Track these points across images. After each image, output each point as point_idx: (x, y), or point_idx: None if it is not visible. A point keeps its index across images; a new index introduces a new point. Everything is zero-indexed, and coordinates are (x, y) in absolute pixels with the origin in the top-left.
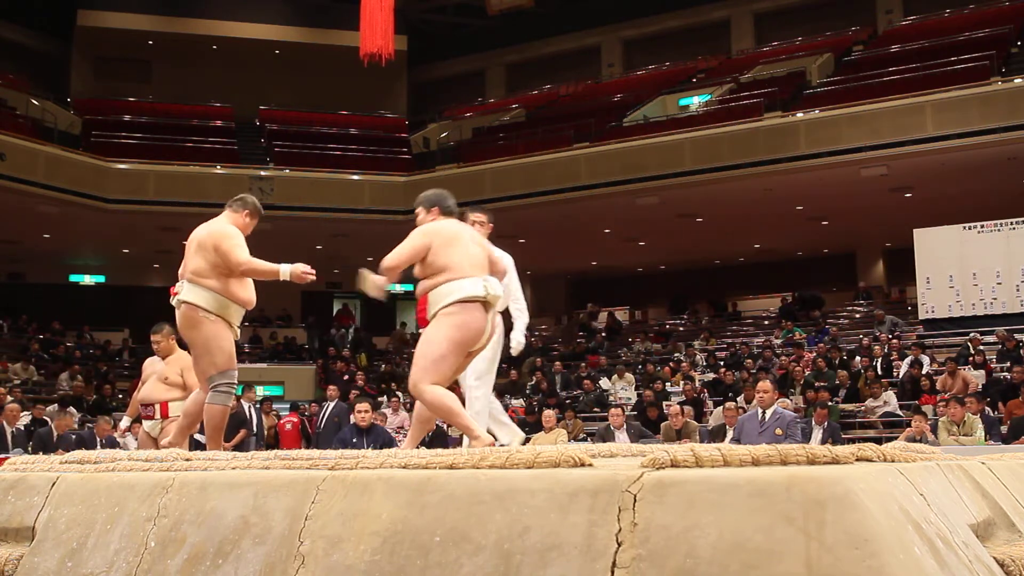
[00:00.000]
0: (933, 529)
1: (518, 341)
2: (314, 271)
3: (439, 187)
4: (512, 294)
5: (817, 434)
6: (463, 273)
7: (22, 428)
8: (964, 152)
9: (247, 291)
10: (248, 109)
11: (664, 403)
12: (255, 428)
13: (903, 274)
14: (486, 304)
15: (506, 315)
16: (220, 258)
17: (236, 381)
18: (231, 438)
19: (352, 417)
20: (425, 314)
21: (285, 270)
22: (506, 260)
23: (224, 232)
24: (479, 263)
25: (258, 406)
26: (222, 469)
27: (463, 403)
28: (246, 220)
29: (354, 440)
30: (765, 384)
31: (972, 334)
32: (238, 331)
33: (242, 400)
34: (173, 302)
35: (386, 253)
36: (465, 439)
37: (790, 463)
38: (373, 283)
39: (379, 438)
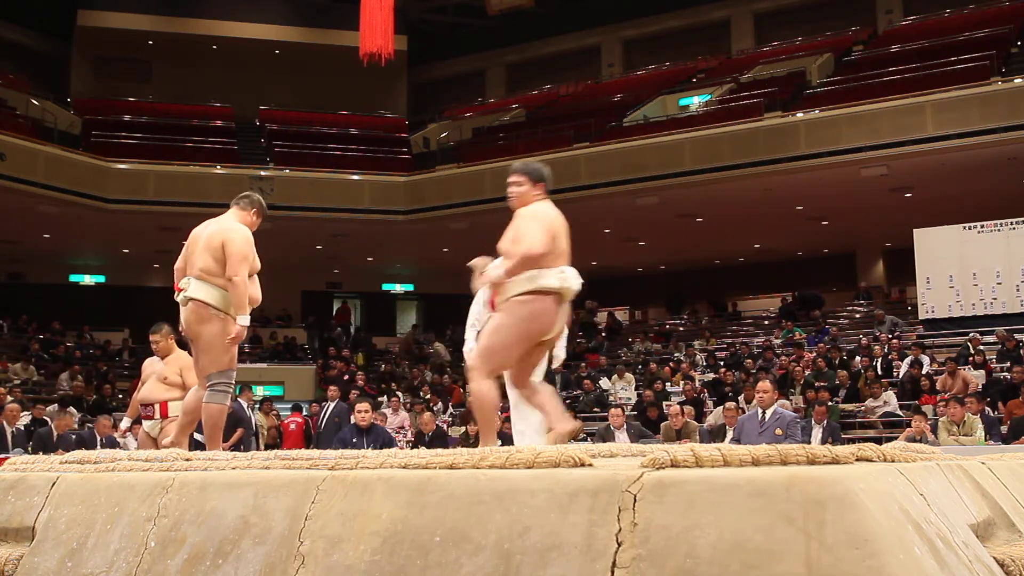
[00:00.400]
0: (933, 529)
1: (558, 357)
2: (239, 340)
3: (439, 187)
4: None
5: (817, 433)
6: (546, 262)
7: (22, 428)
8: (964, 152)
9: (255, 289)
10: (248, 109)
11: (664, 403)
12: (253, 428)
13: (903, 274)
14: (560, 296)
15: None
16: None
17: (233, 382)
18: (228, 437)
19: (352, 417)
20: (496, 297)
21: (245, 322)
22: None
23: (234, 235)
24: (564, 252)
25: (258, 406)
26: (222, 469)
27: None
28: (253, 219)
29: (354, 440)
30: (765, 384)
31: (972, 334)
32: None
33: (240, 399)
34: (179, 298)
35: (386, 253)
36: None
37: (790, 463)
38: (495, 274)
39: (379, 438)
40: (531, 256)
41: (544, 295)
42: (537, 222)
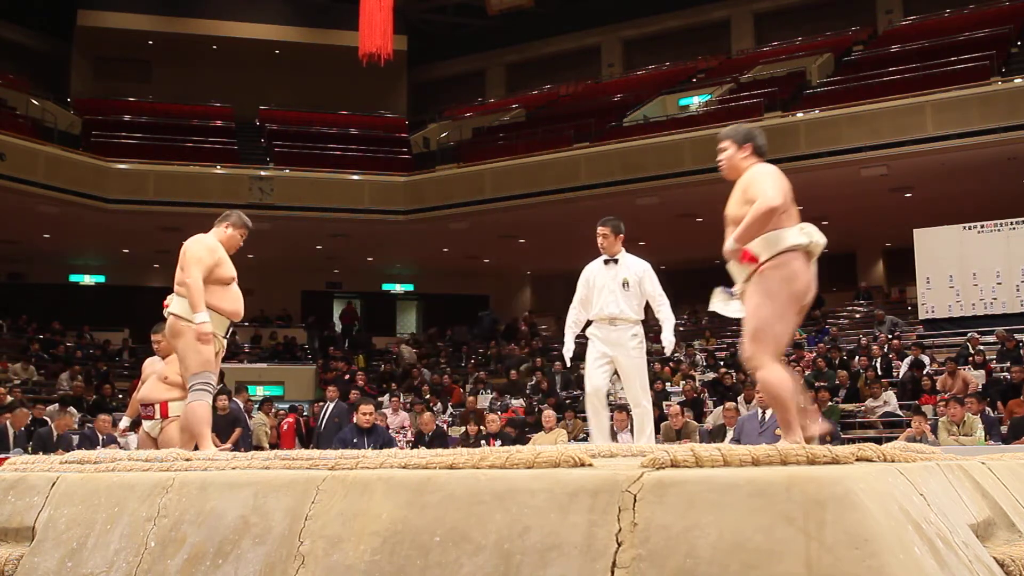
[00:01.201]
0: (933, 529)
1: (669, 341)
2: (208, 341)
3: (439, 187)
4: (656, 299)
5: None
6: (783, 221)
7: (22, 428)
8: (964, 152)
9: (230, 302)
10: (248, 109)
11: (664, 403)
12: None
13: (903, 274)
14: (808, 253)
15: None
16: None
17: (213, 382)
18: (226, 438)
19: (354, 417)
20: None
21: (200, 319)
22: (646, 267)
23: (192, 244)
24: (796, 213)
25: (257, 407)
26: (222, 469)
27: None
28: (227, 232)
29: (355, 440)
30: None
31: (971, 334)
32: (223, 341)
33: (236, 399)
34: (165, 314)
35: (386, 253)
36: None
37: (790, 463)
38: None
39: (380, 438)
40: (769, 209)
41: (793, 254)
42: (766, 177)
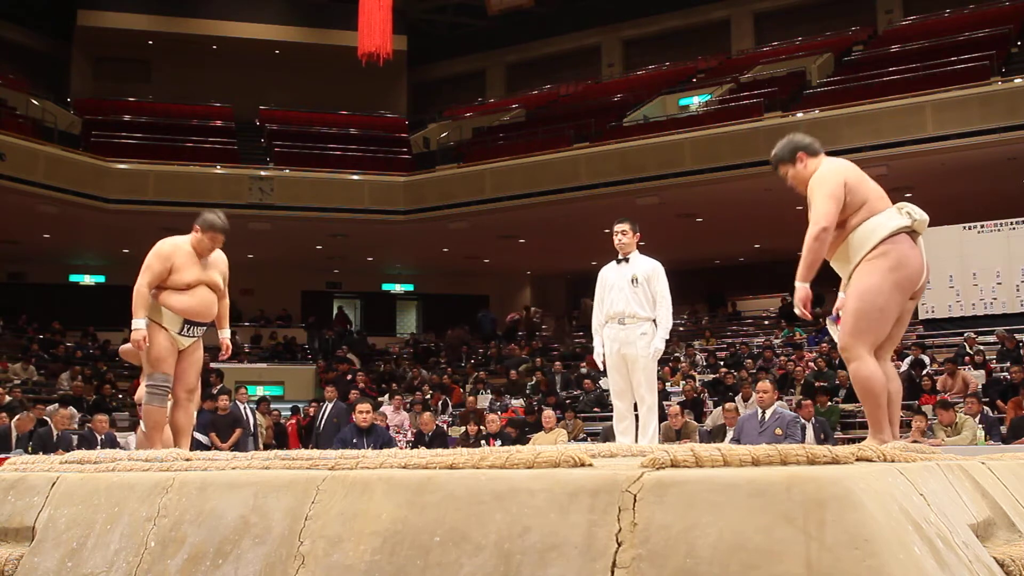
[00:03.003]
0: (933, 529)
1: (657, 348)
2: (139, 347)
3: (439, 187)
4: (659, 299)
5: (807, 431)
6: (878, 206)
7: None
8: (964, 152)
9: (183, 301)
10: (248, 109)
11: (664, 403)
12: (251, 428)
13: None
14: (913, 232)
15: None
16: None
17: (167, 383)
18: (226, 438)
19: (353, 417)
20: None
21: (135, 325)
22: (656, 265)
23: (151, 254)
24: (880, 194)
25: (254, 406)
26: (222, 469)
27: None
28: (198, 235)
29: (354, 440)
30: (764, 384)
31: (967, 333)
32: (181, 340)
33: (237, 400)
34: None
35: (386, 253)
36: None
37: (790, 463)
38: (802, 290)
39: (379, 438)
40: (815, 236)
41: (897, 238)
42: (818, 189)
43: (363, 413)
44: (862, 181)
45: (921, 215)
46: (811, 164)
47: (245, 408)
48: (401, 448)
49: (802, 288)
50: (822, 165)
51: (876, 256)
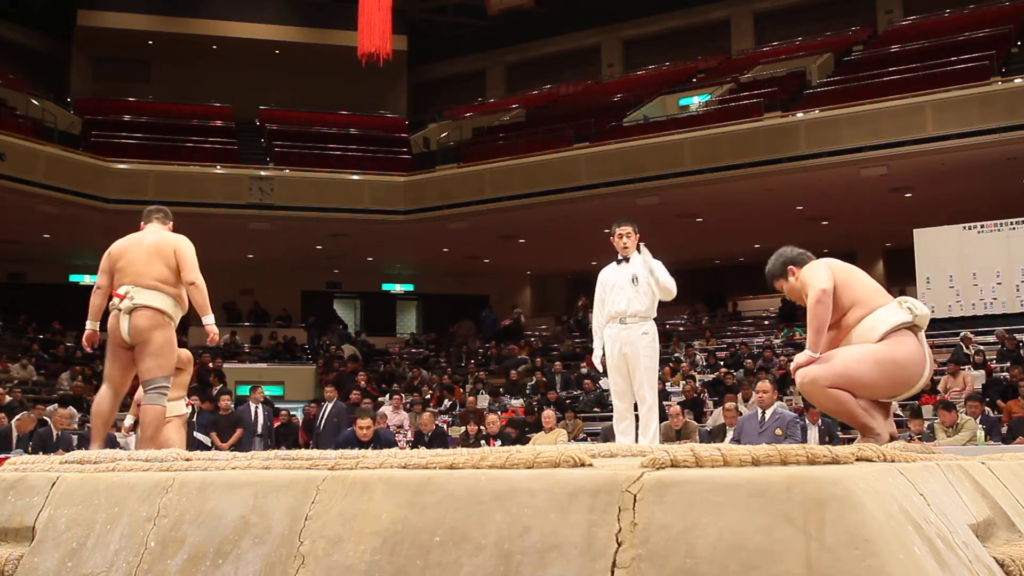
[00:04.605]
0: (933, 529)
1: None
2: (88, 346)
3: (439, 187)
4: (664, 286)
5: (812, 433)
6: (875, 303)
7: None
8: (964, 152)
9: (186, 302)
10: (248, 109)
11: (664, 403)
12: (260, 428)
13: (903, 274)
14: (915, 327)
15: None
16: (177, 266)
17: (169, 384)
18: (228, 438)
19: (354, 423)
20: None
21: (210, 321)
22: (656, 262)
23: (190, 248)
24: (877, 288)
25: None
26: (222, 469)
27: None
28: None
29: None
30: (764, 384)
31: (963, 333)
32: None
33: (249, 401)
34: (123, 305)
35: (386, 253)
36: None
37: (790, 463)
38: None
39: (380, 445)
40: (816, 298)
41: (898, 333)
42: (809, 272)
43: (363, 429)
44: (851, 276)
45: (923, 310)
46: (801, 273)
47: (256, 408)
48: (401, 448)
49: (808, 356)
50: (808, 268)
51: (885, 345)
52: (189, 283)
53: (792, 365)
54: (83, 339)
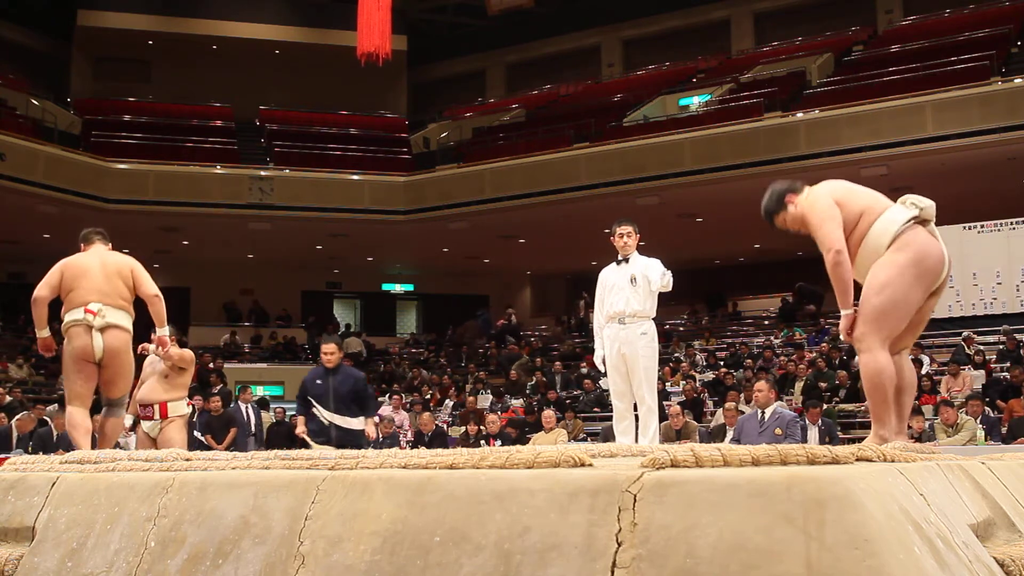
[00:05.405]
0: (933, 529)
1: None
2: (47, 353)
3: (439, 187)
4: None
5: (813, 433)
6: (881, 206)
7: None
8: (964, 152)
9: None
10: (248, 109)
11: (664, 403)
12: (253, 428)
13: None
14: (923, 221)
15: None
16: (134, 286)
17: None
18: (222, 438)
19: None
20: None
21: (167, 332)
22: (654, 260)
23: (136, 262)
24: (875, 197)
25: (255, 407)
26: (222, 469)
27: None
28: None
29: (318, 381)
30: (760, 384)
31: (966, 333)
32: None
33: (239, 401)
34: (96, 322)
35: (386, 253)
36: None
37: (790, 463)
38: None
39: (346, 380)
40: (835, 254)
41: (911, 231)
42: (813, 217)
43: (328, 355)
44: (851, 193)
45: (926, 202)
46: (799, 200)
47: (246, 408)
48: (401, 448)
49: (847, 317)
50: (807, 195)
51: (895, 250)
52: (153, 295)
53: (841, 336)
54: (40, 347)
